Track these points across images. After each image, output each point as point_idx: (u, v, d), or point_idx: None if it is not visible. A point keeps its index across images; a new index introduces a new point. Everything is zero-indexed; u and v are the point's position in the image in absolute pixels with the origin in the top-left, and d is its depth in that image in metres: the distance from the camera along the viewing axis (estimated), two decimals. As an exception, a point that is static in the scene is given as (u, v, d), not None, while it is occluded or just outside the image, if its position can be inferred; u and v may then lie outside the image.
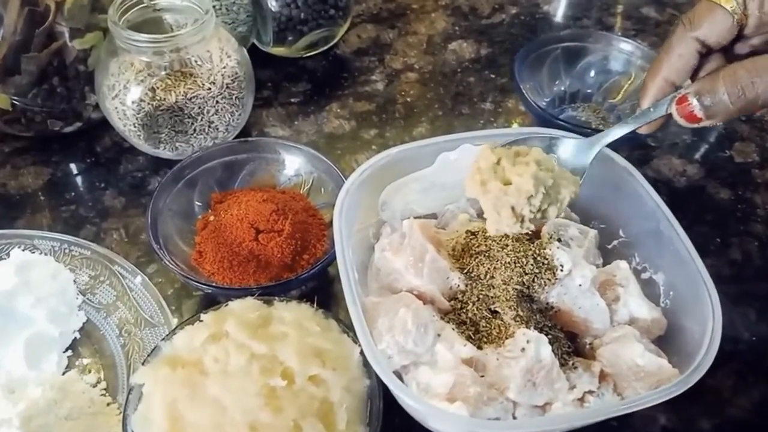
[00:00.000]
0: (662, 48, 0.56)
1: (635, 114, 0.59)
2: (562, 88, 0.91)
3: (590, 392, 0.56)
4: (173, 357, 0.56)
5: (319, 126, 0.91)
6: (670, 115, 0.56)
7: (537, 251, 0.62)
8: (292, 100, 0.94)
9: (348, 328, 0.59)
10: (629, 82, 0.89)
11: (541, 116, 0.83)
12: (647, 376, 0.56)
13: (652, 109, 0.57)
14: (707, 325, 0.55)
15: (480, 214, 0.71)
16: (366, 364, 0.56)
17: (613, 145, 0.69)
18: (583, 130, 0.76)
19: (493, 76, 0.99)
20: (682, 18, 0.54)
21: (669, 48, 0.55)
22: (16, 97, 0.80)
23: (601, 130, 0.83)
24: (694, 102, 0.51)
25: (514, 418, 0.55)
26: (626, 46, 0.89)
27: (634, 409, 0.51)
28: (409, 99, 0.95)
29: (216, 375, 0.54)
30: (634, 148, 0.87)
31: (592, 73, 0.91)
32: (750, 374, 0.67)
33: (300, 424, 0.52)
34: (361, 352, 0.55)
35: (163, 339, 0.58)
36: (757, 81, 0.48)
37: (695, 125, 0.53)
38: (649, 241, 0.65)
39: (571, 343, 0.61)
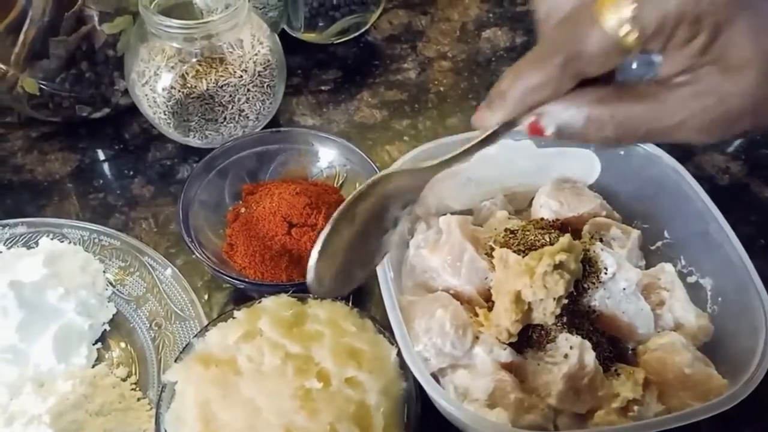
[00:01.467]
0: (533, 60, 0.43)
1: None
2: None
3: (634, 401, 0.54)
4: (206, 355, 0.55)
5: (349, 115, 0.89)
6: None
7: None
8: (323, 87, 0.92)
9: (383, 327, 0.57)
10: (672, 74, 0.85)
11: (580, 109, 0.80)
12: (695, 386, 0.54)
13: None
14: (759, 333, 0.53)
15: (519, 211, 0.69)
16: (402, 366, 0.54)
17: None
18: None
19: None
20: (569, 47, 0.41)
21: (546, 75, 0.42)
22: (43, 82, 0.79)
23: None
24: (547, 123, 0.42)
25: (556, 426, 0.54)
26: (670, 37, 0.85)
27: (685, 423, 0.49)
28: (442, 88, 0.93)
29: (250, 375, 0.53)
30: (674, 144, 0.84)
31: (634, 65, 0.87)
32: (796, 382, 0.64)
33: (336, 428, 0.50)
34: (398, 354, 0.53)
35: (195, 336, 0.56)
36: (617, 126, 0.40)
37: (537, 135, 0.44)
38: (696, 243, 0.62)
39: (613, 348, 0.59)
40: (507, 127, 0.44)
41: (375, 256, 0.51)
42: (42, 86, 0.79)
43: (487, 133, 0.45)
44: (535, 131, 0.43)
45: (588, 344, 0.54)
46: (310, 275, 0.46)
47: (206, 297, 0.69)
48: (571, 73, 0.40)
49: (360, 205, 0.47)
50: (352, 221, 0.47)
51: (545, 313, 0.55)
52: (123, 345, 0.64)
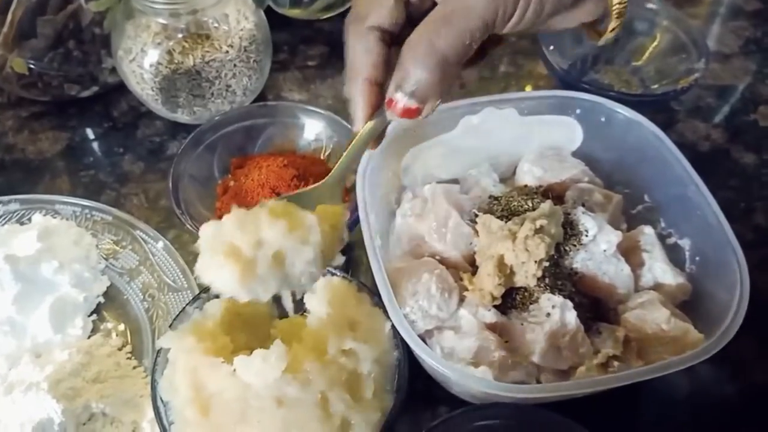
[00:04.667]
0: (346, 54, 0.49)
1: (355, 137, 0.50)
2: (585, 51, 0.89)
3: (614, 357, 0.56)
4: (199, 324, 0.56)
5: (336, 90, 0.90)
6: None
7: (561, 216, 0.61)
8: (309, 63, 0.93)
9: (372, 294, 0.58)
10: (654, 44, 0.87)
11: (563, 79, 0.81)
12: (672, 341, 0.56)
13: (373, 122, 0.48)
14: (734, 290, 0.55)
15: (504, 178, 0.71)
16: (395, 335, 0.55)
17: (636, 109, 0.68)
18: (606, 93, 0.75)
19: (513, 38, 0.97)
20: (348, 18, 0.49)
21: (352, 49, 0.48)
22: (32, 61, 0.79)
23: (624, 93, 0.83)
24: (399, 95, 0.45)
25: (539, 382, 0.55)
26: (651, 5, 0.87)
27: (660, 375, 0.51)
28: (427, 62, 0.94)
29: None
30: (657, 111, 0.86)
31: (616, 35, 0.88)
32: (773, 339, 0.66)
33: (327, 396, 0.51)
34: (393, 326, 0.54)
35: (189, 303, 0.58)
36: (433, 39, 0.44)
37: (418, 117, 0.47)
38: (675, 206, 0.64)
39: (595, 308, 0.61)
40: (377, 124, 0.48)
41: None
42: (31, 66, 0.80)
43: (361, 134, 0.49)
44: (407, 113, 0.46)
45: (569, 303, 0.56)
46: None
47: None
48: (367, 28, 0.47)
49: None
50: None
51: (527, 275, 0.57)
52: (117, 316, 0.66)
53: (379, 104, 0.48)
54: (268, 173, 0.69)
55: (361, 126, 0.48)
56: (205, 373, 0.53)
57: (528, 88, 0.91)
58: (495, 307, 0.58)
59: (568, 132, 0.70)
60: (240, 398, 0.51)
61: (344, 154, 0.51)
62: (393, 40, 0.47)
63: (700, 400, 0.63)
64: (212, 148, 0.73)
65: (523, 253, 0.56)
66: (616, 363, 0.55)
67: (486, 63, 0.93)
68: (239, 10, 0.77)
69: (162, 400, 0.53)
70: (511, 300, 0.59)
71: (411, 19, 0.47)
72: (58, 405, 0.55)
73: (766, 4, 1.04)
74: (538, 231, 0.57)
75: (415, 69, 0.44)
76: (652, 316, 0.56)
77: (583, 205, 0.64)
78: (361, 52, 0.47)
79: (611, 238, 0.60)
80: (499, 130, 0.69)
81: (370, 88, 0.47)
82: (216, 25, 0.75)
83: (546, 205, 0.60)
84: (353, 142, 0.50)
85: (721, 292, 0.57)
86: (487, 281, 0.57)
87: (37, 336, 0.62)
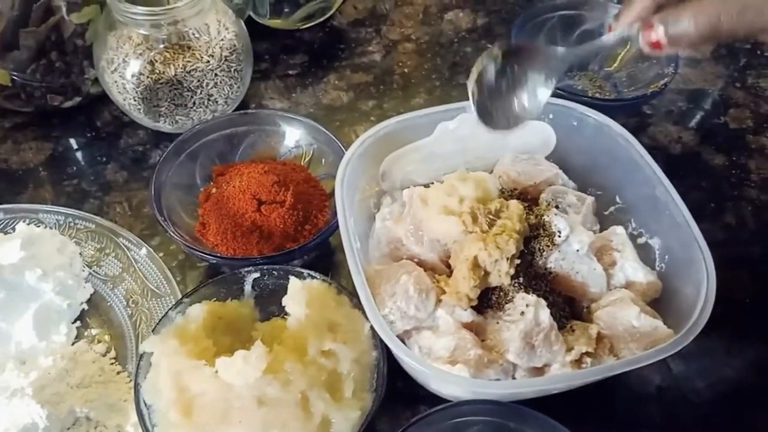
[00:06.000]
0: None
1: (608, 34, 0.55)
2: (559, 57, 0.91)
3: (587, 354, 0.57)
4: (182, 327, 0.57)
5: (317, 98, 0.91)
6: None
7: (535, 218, 0.63)
8: (290, 72, 0.95)
9: (352, 296, 0.60)
10: (625, 49, 0.89)
11: (538, 85, 0.83)
12: (643, 337, 0.57)
13: (624, 31, 0.54)
14: (702, 287, 0.57)
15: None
16: (374, 336, 0.57)
17: (609, 114, 0.70)
18: (580, 99, 0.76)
19: (489, 45, 0.99)
20: None
21: None
22: (15, 73, 0.80)
23: (598, 98, 0.85)
24: (660, 29, 0.50)
25: (514, 379, 0.57)
26: (623, 13, 0.89)
27: (630, 368, 0.53)
28: (406, 70, 0.96)
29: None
30: (629, 115, 0.88)
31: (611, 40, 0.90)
32: (743, 336, 0.68)
33: (307, 395, 0.53)
34: (372, 327, 0.56)
35: (171, 308, 0.59)
36: (722, 13, 0.48)
37: (656, 53, 0.52)
38: (645, 206, 0.66)
39: (569, 307, 0.63)
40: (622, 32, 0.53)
41: None
42: (14, 77, 0.81)
43: (615, 36, 0.54)
44: (653, 44, 0.51)
45: (543, 302, 0.58)
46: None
47: (181, 276, 0.71)
48: None
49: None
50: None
51: (501, 274, 0.58)
52: (101, 323, 0.67)
53: (642, 19, 0.52)
54: (249, 180, 0.70)
55: (622, 27, 0.54)
56: (187, 375, 0.54)
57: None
58: (471, 306, 0.59)
59: (542, 136, 0.72)
60: (222, 399, 0.52)
61: (582, 46, 0.58)
62: None
63: (672, 394, 0.64)
64: (194, 156, 0.74)
65: (495, 251, 0.58)
66: (588, 359, 0.57)
67: (461, 70, 0.96)
68: (220, 21, 0.78)
69: (145, 404, 0.54)
70: (487, 300, 0.61)
71: None
72: (43, 410, 0.56)
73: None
74: (492, 216, 0.59)
75: (690, 22, 0.49)
76: (623, 313, 0.58)
77: (557, 207, 0.65)
78: None
79: (583, 238, 0.62)
80: (475, 135, 0.70)
81: (651, 4, 0.52)
82: (197, 35, 0.76)
83: (497, 202, 0.62)
84: (607, 36, 0.55)
85: (690, 289, 0.58)
86: (463, 284, 0.59)
87: (21, 343, 0.63)
